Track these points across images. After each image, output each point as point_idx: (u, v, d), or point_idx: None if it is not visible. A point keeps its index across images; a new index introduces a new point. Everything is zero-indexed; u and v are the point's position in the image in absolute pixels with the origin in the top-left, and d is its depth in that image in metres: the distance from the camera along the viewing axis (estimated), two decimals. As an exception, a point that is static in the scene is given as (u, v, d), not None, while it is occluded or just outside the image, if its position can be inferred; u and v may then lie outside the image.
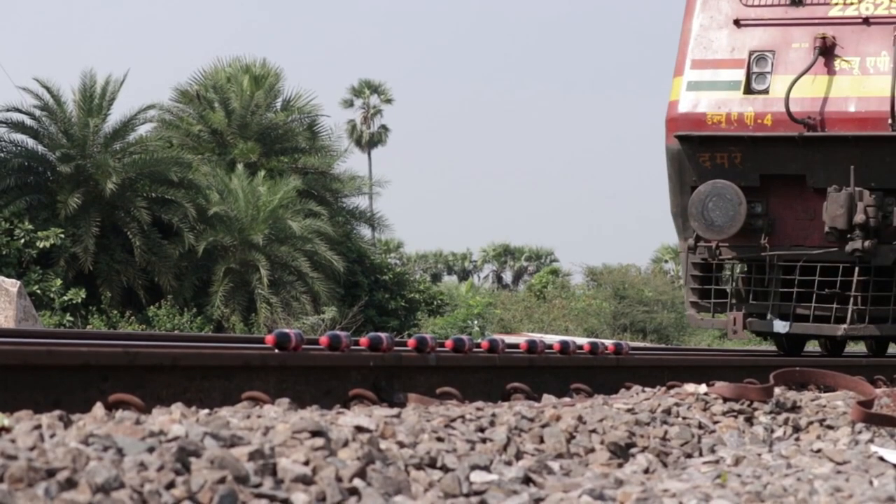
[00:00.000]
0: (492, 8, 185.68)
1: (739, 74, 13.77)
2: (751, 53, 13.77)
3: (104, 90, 38.95)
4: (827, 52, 13.54)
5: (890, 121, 13.09)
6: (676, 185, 14.11)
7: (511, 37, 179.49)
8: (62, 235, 35.89)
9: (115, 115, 39.53)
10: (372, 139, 77.68)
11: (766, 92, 13.69)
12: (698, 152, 13.81)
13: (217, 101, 43.56)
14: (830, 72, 13.60)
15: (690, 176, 13.86)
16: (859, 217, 13.17)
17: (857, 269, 13.44)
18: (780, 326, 13.70)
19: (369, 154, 78.44)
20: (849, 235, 13.26)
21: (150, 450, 3.13)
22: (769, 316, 13.82)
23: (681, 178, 14.02)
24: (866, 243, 13.22)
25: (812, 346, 17.13)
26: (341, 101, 77.96)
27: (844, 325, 13.45)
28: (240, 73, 44.47)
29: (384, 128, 78.36)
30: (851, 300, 13.47)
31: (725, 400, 5.79)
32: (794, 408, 5.94)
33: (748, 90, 13.71)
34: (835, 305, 13.56)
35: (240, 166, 40.65)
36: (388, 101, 78.03)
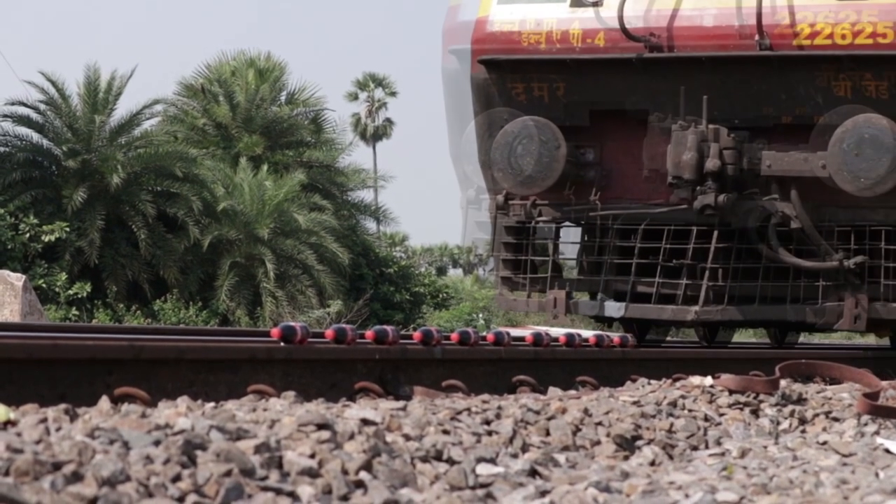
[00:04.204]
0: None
1: None
2: None
3: (110, 85, 38.93)
4: None
5: (757, 37, 10.11)
6: (484, 126, 11.05)
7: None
8: (67, 229, 35.88)
9: (121, 110, 39.58)
10: (377, 132, 77.61)
11: (598, 3, 10.57)
12: (509, 82, 10.80)
13: (222, 95, 43.53)
14: None
15: (501, 114, 10.88)
16: (712, 163, 10.08)
17: (715, 233, 10.47)
18: (614, 309, 10.75)
19: (374, 147, 78.44)
20: (698, 188, 10.23)
21: (156, 443, 3.13)
22: (600, 295, 10.90)
23: (489, 117, 11.04)
24: (722, 198, 10.13)
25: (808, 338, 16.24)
26: (346, 95, 77.92)
27: (696, 307, 10.49)
28: (244, 66, 44.44)
29: (389, 121, 78.30)
30: (706, 274, 10.51)
31: (731, 392, 5.79)
32: (800, 400, 5.93)
33: (576, 2, 10.64)
34: (684, 281, 10.62)
35: (243, 160, 40.63)
36: (393, 94, 77.96)
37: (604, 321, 11.84)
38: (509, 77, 10.77)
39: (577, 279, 11.25)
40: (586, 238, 11.19)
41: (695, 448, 4.92)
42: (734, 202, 10.27)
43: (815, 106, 10.15)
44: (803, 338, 15.67)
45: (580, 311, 11.17)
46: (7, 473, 2.75)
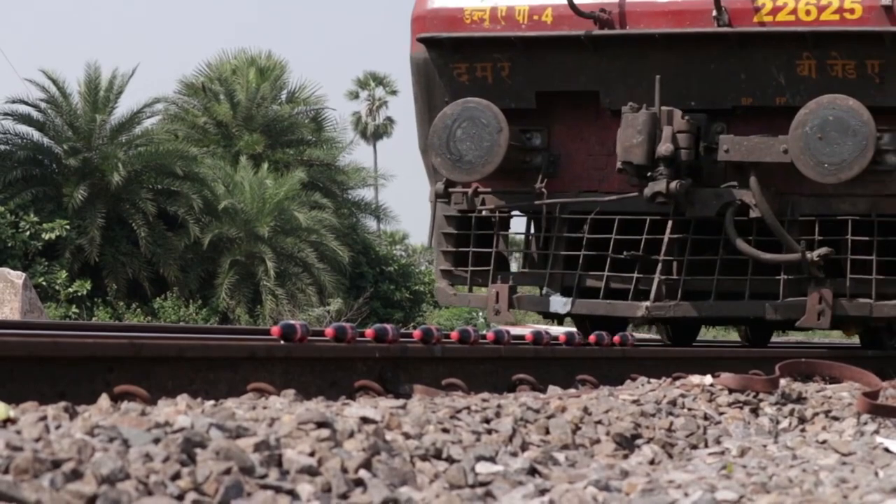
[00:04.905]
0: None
1: None
2: None
3: (110, 83, 38.94)
4: None
5: (715, 13, 9.49)
6: (424, 109, 10.42)
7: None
8: (67, 227, 35.89)
9: (121, 109, 39.60)
10: (377, 131, 77.64)
11: None
12: (451, 62, 10.11)
13: (222, 94, 43.56)
14: None
15: (442, 96, 10.19)
16: (664, 147, 9.36)
17: (669, 223, 9.83)
18: (559, 304, 10.09)
19: (374, 146, 78.51)
20: (649, 174, 9.51)
21: (156, 441, 3.13)
22: (545, 290, 10.22)
23: (429, 101, 10.36)
24: (674, 185, 9.42)
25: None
26: (347, 93, 77.97)
27: (647, 303, 9.82)
28: (245, 65, 44.48)
29: (389, 119, 78.34)
30: (658, 268, 9.85)
31: (731, 391, 5.79)
32: (800, 399, 5.94)
33: None
34: (636, 275, 9.94)
35: (244, 158, 40.65)
36: (394, 92, 77.97)
37: (550, 317, 11.03)
38: (451, 57, 10.08)
39: (520, 272, 10.65)
40: (532, 228, 10.55)
41: (694, 447, 4.92)
42: (688, 190, 9.58)
43: (778, 87, 9.58)
44: (776, 336, 14.86)
45: (524, 307, 10.52)
46: (6, 471, 2.75)
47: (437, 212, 10.43)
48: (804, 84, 9.46)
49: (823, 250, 9.52)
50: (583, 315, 10.62)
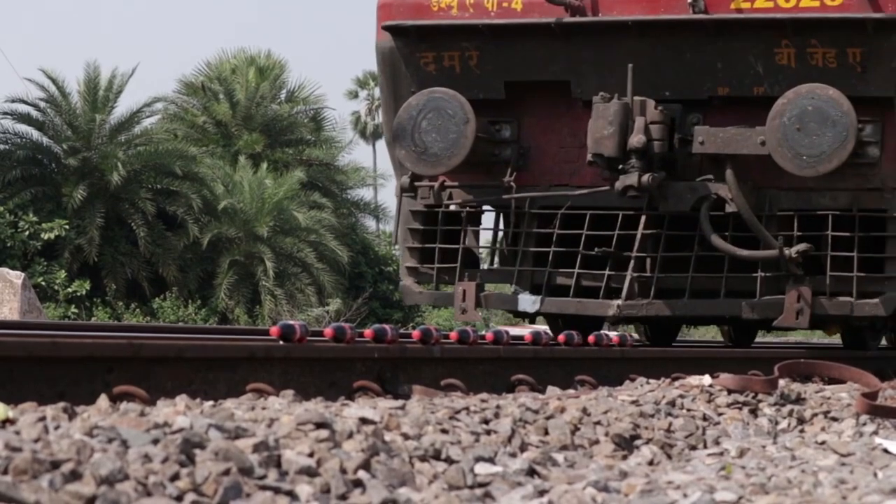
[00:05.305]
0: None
1: None
2: None
3: (110, 83, 38.93)
4: None
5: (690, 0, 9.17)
6: (390, 100, 10.07)
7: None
8: (67, 227, 35.88)
9: (121, 108, 39.59)
10: (376, 130, 77.61)
11: None
12: (418, 51, 9.76)
13: (222, 93, 43.55)
14: None
15: (409, 86, 9.83)
16: (636, 139, 8.99)
17: (642, 218, 9.47)
18: (528, 303, 9.71)
19: (374, 145, 78.50)
20: (621, 167, 9.13)
21: (155, 441, 3.13)
22: (513, 288, 9.84)
23: (395, 91, 10.00)
24: (647, 178, 9.04)
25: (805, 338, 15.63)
26: (346, 93, 77.98)
27: (618, 301, 9.44)
28: (244, 64, 44.45)
29: (389, 119, 78.23)
30: (631, 265, 9.48)
31: (730, 392, 5.79)
32: (799, 400, 5.94)
33: None
34: (607, 272, 9.57)
35: (243, 158, 40.65)
36: (393, 92, 77.87)
37: (519, 316, 10.67)
38: (417, 45, 9.72)
39: (488, 270, 10.37)
40: (502, 224, 10.16)
41: (693, 448, 4.92)
42: (662, 183, 9.19)
43: (756, 76, 9.24)
44: (776, 337, 14.51)
45: (492, 306, 10.11)
46: (6, 472, 2.75)
47: (402, 206, 10.07)
48: (783, 73, 9.16)
49: (802, 246, 9.17)
50: (555, 314, 10.27)
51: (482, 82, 9.69)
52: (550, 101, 9.76)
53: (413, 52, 9.76)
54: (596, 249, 9.49)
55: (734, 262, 9.40)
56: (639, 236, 9.43)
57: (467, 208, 9.98)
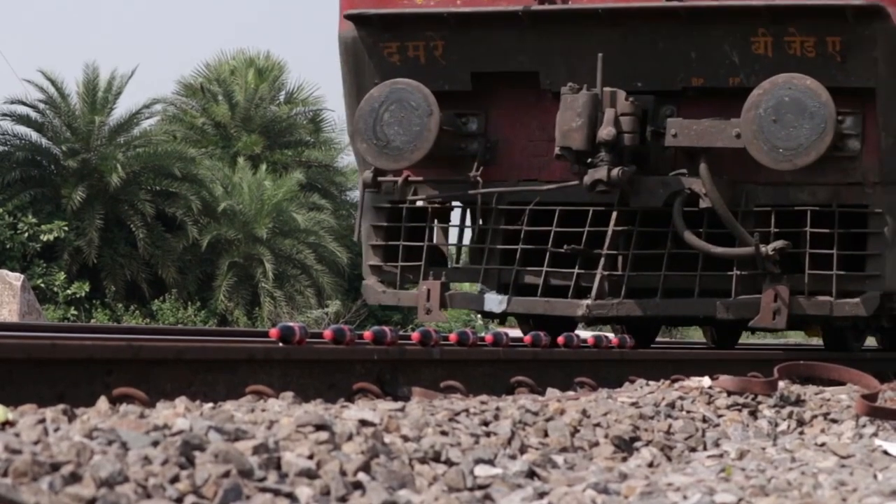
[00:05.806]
0: None
1: None
2: None
3: (109, 84, 38.92)
4: None
5: None
6: (352, 92, 9.65)
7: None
8: (66, 229, 35.87)
9: (120, 110, 39.54)
10: (376, 132, 77.59)
11: None
12: (381, 41, 9.42)
13: (221, 94, 43.54)
14: None
15: (372, 78, 9.46)
16: (606, 131, 8.64)
17: (613, 214, 9.14)
18: (494, 303, 9.35)
19: (373, 147, 78.39)
20: (590, 161, 8.76)
21: (155, 444, 3.13)
22: (479, 287, 9.49)
23: (358, 82, 9.61)
24: (616, 172, 8.67)
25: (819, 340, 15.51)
26: (345, 95, 77.87)
27: (588, 301, 9.06)
28: (244, 66, 44.43)
29: (388, 121, 78.26)
30: (601, 262, 9.13)
31: (729, 394, 5.79)
32: (798, 401, 5.94)
33: None
34: (576, 271, 9.23)
35: (242, 159, 40.64)
36: (392, 94, 77.92)
37: (487, 316, 10.31)
38: (380, 35, 9.38)
39: (454, 268, 9.96)
40: (469, 220, 9.81)
41: (693, 449, 4.92)
42: (632, 178, 8.82)
43: (731, 66, 8.90)
44: (776, 337, 14.31)
45: (457, 305, 9.76)
46: (5, 474, 2.75)
47: (365, 202, 9.74)
48: (759, 63, 8.81)
49: (779, 244, 8.82)
50: (523, 314, 9.94)
51: (448, 73, 9.35)
52: (519, 92, 9.43)
53: (376, 43, 9.43)
54: (565, 247, 9.16)
55: (709, 260, 9.08)
56: (609, 233, 9.08)
57: (433, 204, 9.64)
